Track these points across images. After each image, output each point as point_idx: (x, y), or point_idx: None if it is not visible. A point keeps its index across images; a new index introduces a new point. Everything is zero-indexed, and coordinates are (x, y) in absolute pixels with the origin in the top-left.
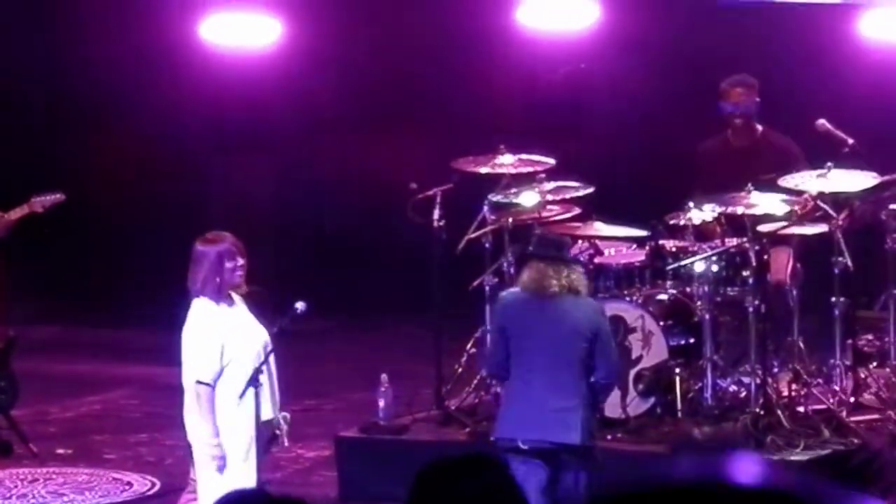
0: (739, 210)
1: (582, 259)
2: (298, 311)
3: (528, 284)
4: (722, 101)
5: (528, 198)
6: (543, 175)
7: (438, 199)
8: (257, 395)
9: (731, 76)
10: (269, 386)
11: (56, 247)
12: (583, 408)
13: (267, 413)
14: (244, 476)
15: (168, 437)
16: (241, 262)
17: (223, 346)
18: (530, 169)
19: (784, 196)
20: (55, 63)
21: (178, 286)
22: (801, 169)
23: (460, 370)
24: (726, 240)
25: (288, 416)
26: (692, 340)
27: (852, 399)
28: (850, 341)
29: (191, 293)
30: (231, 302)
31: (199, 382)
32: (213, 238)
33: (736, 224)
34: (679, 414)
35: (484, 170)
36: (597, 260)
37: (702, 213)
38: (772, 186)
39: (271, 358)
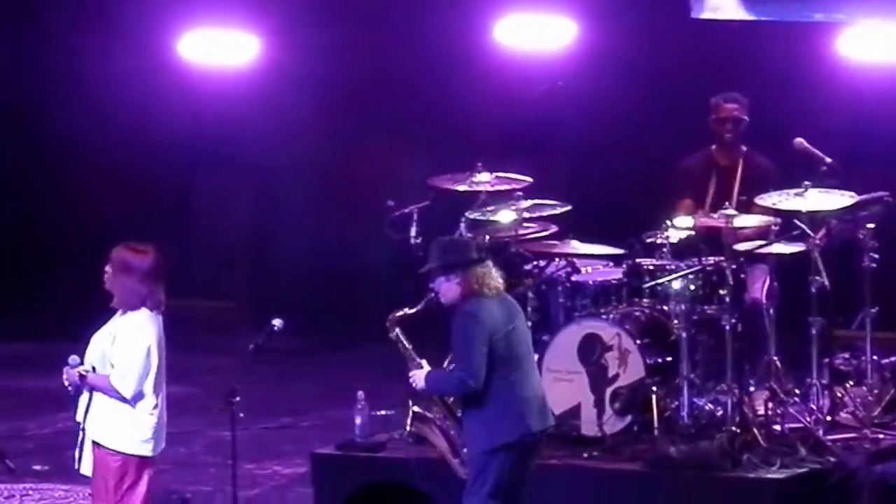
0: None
1: (559, 276)
2: (275, 328)
3: (492, 290)
4: (713, 116)
5: (504, 215)
6: (520, 193)
7: (415, 217)
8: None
9: (723, 92)
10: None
11: (32, 263)
12: None
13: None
14: None
15: None
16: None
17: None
18: (507, 187)
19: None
20: (29, 78)
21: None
22: (778, 188)
23: None
24: (703, 258)
25: None
26: (669, 359)
27: (829, 418)
28: (826, 360)
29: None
30: None
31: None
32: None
33: (713, 242)
34: (655, 432)
35: (461, 187)
36: (574, 278)
37: (679, 232)
38: (749, 207)
39: None
